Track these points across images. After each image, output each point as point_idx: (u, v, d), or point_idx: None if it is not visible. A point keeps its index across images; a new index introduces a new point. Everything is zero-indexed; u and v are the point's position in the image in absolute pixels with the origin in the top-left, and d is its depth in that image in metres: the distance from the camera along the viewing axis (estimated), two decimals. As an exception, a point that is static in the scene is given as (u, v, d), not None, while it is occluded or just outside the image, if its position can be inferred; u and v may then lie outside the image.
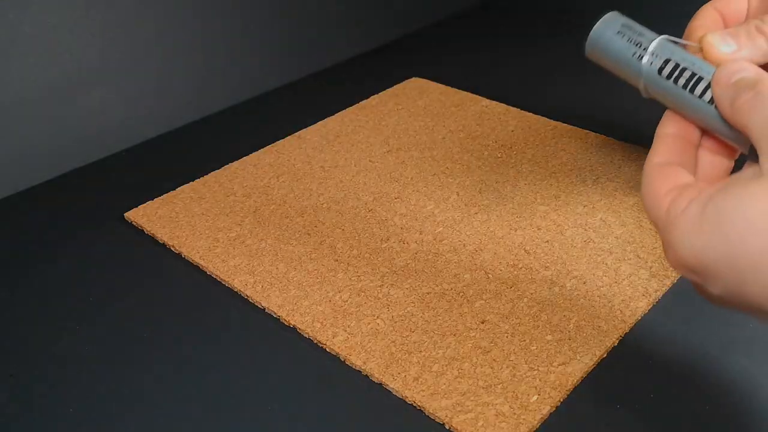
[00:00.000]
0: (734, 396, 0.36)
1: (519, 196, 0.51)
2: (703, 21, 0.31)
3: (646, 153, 0.28)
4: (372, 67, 0.76)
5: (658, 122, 0.31)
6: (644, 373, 0.38)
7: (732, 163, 0.28)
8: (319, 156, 0.58)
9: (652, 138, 0.29)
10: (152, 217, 0.52)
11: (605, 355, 0.39)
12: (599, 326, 0.40)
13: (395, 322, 0.41)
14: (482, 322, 0.41)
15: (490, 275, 0.44)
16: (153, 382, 0.39)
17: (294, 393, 0.38)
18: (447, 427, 0.35)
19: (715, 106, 0.26)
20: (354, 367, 0.39)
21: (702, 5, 0.33)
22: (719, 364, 0.38)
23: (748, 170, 0.25)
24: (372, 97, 0.67)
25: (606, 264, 0.44)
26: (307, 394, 0.38)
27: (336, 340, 0.40)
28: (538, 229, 0.48)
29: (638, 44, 0.28)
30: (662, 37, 0.28)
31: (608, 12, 0.29)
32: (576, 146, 0.57)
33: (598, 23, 0.29)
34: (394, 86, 0.69)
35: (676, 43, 0.28)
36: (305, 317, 0.42)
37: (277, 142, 0.60)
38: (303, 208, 0.52)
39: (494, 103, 0.65)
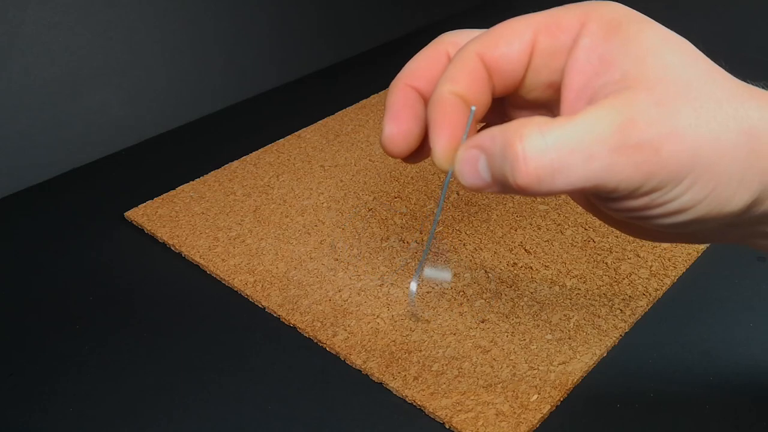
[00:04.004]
0: (734, 396, 0.36)
1: (519, 195, 0.51)
2: (458, 82, 0.26)
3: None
4: (372, 66, 0.76)
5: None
6: (644, 373, 0.38)
7: None
8: (319, 155, 0.58)
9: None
10: (152, 216, 0.52)
11: (605, 355, 0.39)
12: (599, 326, 0.40)
13: (395, 322, 0.41)
14: (482, 322, 0.41)
15: (490, 274, 0.44)
16: (152, 381, 0.39)
17: (294, 392, 0.38)
18: (447, 426, 0.35)
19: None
20: (354, 366, 0.39)
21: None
22: (719, 364, 0.38)
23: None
24: (372, 96, 0.67)
25: (606, 263, 0.44)
26: (307, 393, 0.38)
27: (336, 339, 0.40)
28: (538, 228, 0.48)
29: None
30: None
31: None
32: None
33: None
34: (394, 86, 0.69)
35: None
36: (305, 316, 0.42)
37: (277, 142, 0.60)
38: (303, 207, 0.52)
39: (494, 102, 0.65)
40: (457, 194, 0.52)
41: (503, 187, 0.24)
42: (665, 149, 0.23)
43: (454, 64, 0.26)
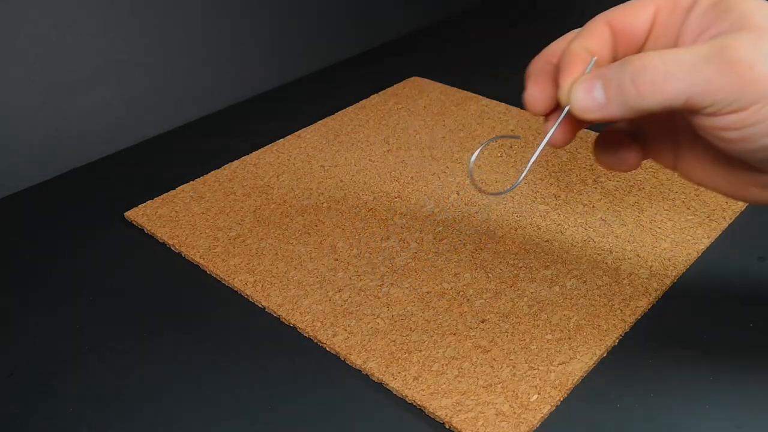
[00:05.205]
0: (734, 396, 0.36)
1: (519, 196, 0.51)
2: (588, 39, 0.32)
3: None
4: (372, 66, 0.76)
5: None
6: (644, 373, 0.38)
7: None
8: (319, 155, 0.58)
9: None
10: (152, 216, 0.52)
11: (605, 355, 0.39)
12: (599, 325, 0.40)
13: (395, 322, 0.41)
14: (482, 322, 0.41)
15: (490, 274, 0.44)
16: (153, 381, 0.39)
17: (294, 393, 0.38)
18: (447, 426, 0.35)
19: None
20: (354, 366, 0.39)
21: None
22: (719, 364, 0.38)
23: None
24: (372, 96, 0.67)
25: (606, 263, 0.44)
26: (307, 393, 0.38)
27: (336, 339, 0.40)
28: (538, 228, 0.48)
29: None
30: None
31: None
32: (576, 146, 0.57)
33: None
34: (394, 86, 0.69)
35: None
36: (305, 316, 0.42)
37: (277, 142, 0.60)
38: (303, 207, 0.52)
39: (494, 102, 0.65)
40: (457, 194, 0.52)
41: (618, 102, 0.29)
42: (758, 67, 0.27)
43: (586, 27, 0.32)
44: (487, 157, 0.56)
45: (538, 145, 0.34)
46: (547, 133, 0.34)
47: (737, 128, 0.29)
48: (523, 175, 0.36)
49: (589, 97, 0.30)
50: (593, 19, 0.32)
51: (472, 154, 0.36)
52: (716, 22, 0.30)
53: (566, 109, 0.32)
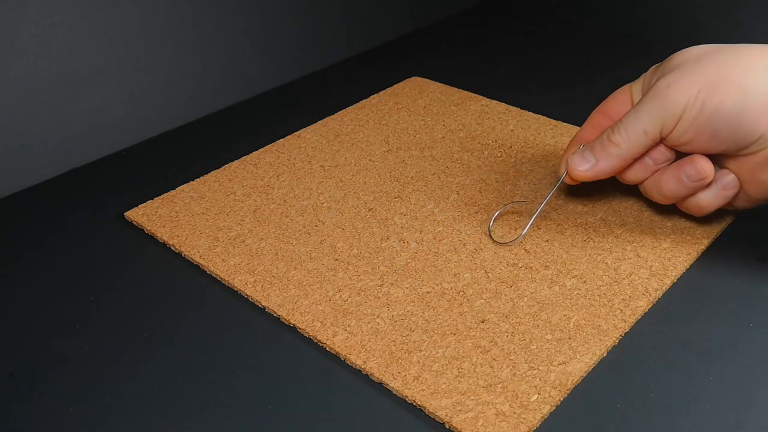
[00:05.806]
0: (734, 396, 0.36)
1: (519, 195, 0.51)
2: (586, 130, 0.46)
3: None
4: (372, 66, 0.76)
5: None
6: (644, 373, 0.38)
7: None
8: (319, 155, 0.58)
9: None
10: (152, 216, 0.52)
11: (605, 355, 0.39)
12: (599, 325, 0.40)
13: (395, 322, 0.41)
14: (482, 322, 0.41)
15: (490, 274, 0.44)
16: (153, 381, 0.39)
17: (294, 392, 0.38)
18: (447, 427, 0.35)
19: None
20: (354, 366, 0.39)
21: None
22: (719, 364, 0.38)
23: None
24: (372, 96, 0.67)
25: (606, 263, 0.44)
26: (307, 393, 0.38)
27: (336, 339, 0.40)
28: (538, 228, 0.48)
29: None
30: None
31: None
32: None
33: None
34: (394, 86, 0.69)
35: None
36: (305, 316, 0.42)
37: (277, 142, 0.60)
38: (303, 207, 0.52)
39: (494, 102, 0.65)
40: (457, 194, 0.52)
41: (604, 157, 0.42)
42: (673, 85, 0.39)
43: (587, 120, 0.47)
44: (487, 158, 0.56)
45: (543, 199, 0.47)
46: (546, 197, 0.46)
47: (687, 128, 0.39)
48: (527, 226, 0.46)
49: (582, 161, 0.43)
50: (592, 112, 0.47)
51: (492, 215, 0.49)
52: (655, 75, 0.42)
53: (564, 175, 0.45)
